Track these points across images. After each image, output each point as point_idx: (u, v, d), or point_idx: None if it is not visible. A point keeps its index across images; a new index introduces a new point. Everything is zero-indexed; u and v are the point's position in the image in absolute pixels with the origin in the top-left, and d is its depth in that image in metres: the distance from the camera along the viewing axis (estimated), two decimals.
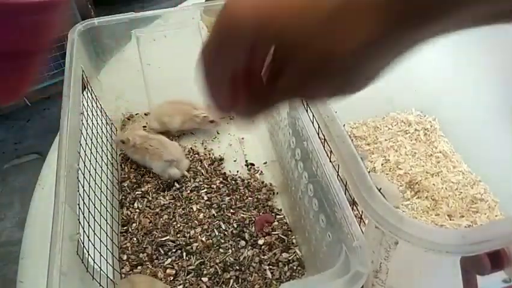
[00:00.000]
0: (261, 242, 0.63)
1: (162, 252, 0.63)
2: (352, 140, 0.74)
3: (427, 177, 0.71)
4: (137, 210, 0.69)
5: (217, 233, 0.65)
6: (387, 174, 0.72)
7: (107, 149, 0.72)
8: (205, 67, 0.24)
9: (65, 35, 0.70)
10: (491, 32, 0.67)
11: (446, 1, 0.19)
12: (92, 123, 0.66)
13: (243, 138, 0.81)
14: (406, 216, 0.37)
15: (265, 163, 0.76)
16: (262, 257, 0.61)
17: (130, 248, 0.64)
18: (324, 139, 0.48)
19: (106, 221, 0.61)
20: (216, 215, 0.67)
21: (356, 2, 0.20)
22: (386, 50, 0.21)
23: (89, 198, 0.55)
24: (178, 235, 0.65)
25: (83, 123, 0.61)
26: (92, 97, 0.70)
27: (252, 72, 0.24)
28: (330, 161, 0.47)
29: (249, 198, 0.69)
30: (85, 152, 0.58)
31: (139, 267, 0.61)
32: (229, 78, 0.24)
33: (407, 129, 0.79)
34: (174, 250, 0.63)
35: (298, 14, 0.21)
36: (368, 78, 0.23)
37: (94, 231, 0.53)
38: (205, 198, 0.70)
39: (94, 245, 0.52)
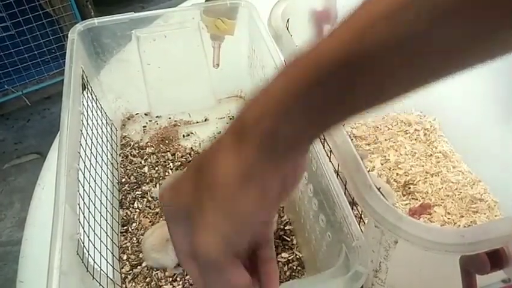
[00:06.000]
0: None
1: None
2: (352, 139, 0.74)
3: (427, 177, 0.71)
4: (137, 210, 0.69)
5: None
6: (387, 174, 0.72)
7: (107, 149, 0.72)
8: None
9: (65, 35, 0.71)
10: None
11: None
12: (92, 123, 0.66)
13: None
14: (405, 215, 0.37)
15: None
16: None
17: (130, 248, 0.64)
18: (324, 139, 0.48)
19: (106, 220, 0.61)
20: None
21: None
22: None
23: (89, 198, 0.55)
24: None
25: (83, 123, 0.61)
26: (92, 97, 0.70)
27: None
28: (330, 160, 0.47)
29: None
30: (85, 152, 0.58)
31: (139, 267, 0.61)
32: None
33: (407, 129, 0.79)
34: None
35: None
36: None
37: (94, 231, 0.54)
38: None
39: (94, 245, 0.52)
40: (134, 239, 0.65)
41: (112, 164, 0.72)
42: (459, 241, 0.35)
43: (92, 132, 0.65)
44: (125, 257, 0.63)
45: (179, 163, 0.76)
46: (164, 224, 0.58)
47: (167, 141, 0.81)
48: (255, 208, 0.26)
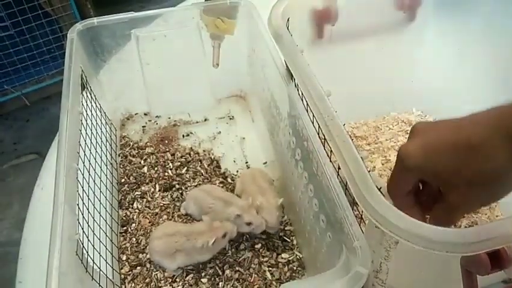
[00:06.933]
0: (259, 245, 0.63)
1: None
2: (352, 139, 0.74)
3: None
4: (137, 210, 0.69)
5: None
6: (388, 174, 0.72)
7: (106, 149, 0.71)
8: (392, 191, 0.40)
9: (65, 35, 0.70)
10: (493, 32, 0.67)
11: None
12: (92, 123, 0.66)
13: (243, 138, 0.81)
14: (406, 215, 0.37)
15: (265, 163, 0.76)
16: (262, 259, 0.61)
17: (129, 249, 0.64)
18: (325, 139, 0.48)
19: (106, 221, 0.61)
20: None
21: (493, 138, 0.32)
22: None
23: (89, 199, 0.55)
24: None
25: (82, 123, 0.61)
26: (91, 97, 0.70)
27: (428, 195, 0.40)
28: (331, 161, 0.47)
29: None
30: (84, 152, 0.58)
31: (139, 268, 0.61)
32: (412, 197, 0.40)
33: (407, 129, 0.79)
34: None
35: (443, 153, 0.35)
36: None
37: (93, 232, 0.53)
38: None
39: (93, 245, 0.52)
40: (134, 239, 0.65)
41: (111, 164, 0.72)
42: (460, 241, 0.35)
43: (92, 132, 0.65)
44: (124, 258, 0.63)
45: (179, 163, 0.76)
46: (174, 235, 0.59)
47: (166, 141, 0.81)
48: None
